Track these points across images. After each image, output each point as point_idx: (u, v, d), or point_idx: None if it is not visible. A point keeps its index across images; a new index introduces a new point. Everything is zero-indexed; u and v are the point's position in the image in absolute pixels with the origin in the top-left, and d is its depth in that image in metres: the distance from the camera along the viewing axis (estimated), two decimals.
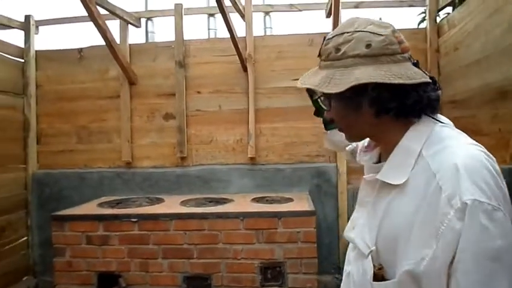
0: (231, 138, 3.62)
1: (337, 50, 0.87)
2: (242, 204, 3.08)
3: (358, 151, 1.21)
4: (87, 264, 2.89)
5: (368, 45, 0.84)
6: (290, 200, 3.15)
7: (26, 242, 3.73)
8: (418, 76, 0.84)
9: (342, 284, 1.15)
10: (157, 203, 3.22)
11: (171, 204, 3.13)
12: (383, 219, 0.88)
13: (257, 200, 3.20)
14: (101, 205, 3.19)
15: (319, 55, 0.94)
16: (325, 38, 0.93)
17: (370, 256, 0.88)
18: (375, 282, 0.86)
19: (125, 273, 2.85)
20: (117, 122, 3.69)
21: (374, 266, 0.87)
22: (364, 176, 0.99)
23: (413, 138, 0.87)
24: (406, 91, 0.84)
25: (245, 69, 3.55)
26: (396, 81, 0.82)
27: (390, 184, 0.87)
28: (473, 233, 0.71)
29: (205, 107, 3.65)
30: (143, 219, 2.85)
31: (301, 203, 3.01)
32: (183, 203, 3.14)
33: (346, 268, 1.04)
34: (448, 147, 0.81)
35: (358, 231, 0.97)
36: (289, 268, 2.76)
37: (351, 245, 1.05)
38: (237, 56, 3.45)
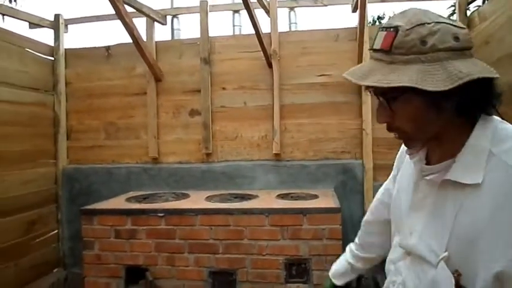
0: (256, 135, 3.63)
1: (423, 42, 0.79)
2: (267, 200, 3.08)
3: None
4: (115, 258, 2.96)
5: (456, 38, 0.79)
6: (315, 196, 3.13)
7: (56, 235, 3.84)
8: (491, 69, 0.81)
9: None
10: (183, 198, 3.26)
11: (197, 200, 3.16)
12: (455, 221, 0.83)
13: (282, 196, 3.19)
14: (128, 200, 3.25)
15: (390, 49, 0.82)
16: (386, 28, 0.84)
17: (443, 263, 0.83)
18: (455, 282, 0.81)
19: (152, 267, 2.90)
20: (144, 118, 3.75)
21: (450, 270, 0.82)
22: (426, 177, 0.92)
23: (481, 136, 0.83)
24: (490, 86, 0.82)
25: (270, 65, 3.54)
26: (495, 75, 0.79)
27: (459, 184, 0.83)
28: None
29: (230, 103, 3.67)
30: (169, 214, 2.89)
31: (327, 200, 3.00)
32: (208, 199, 3.16)
33: (395, 279, 1.01)
34: None
35: (420, 237, 0.91)
36: (314, 265, 2.74)
37: (395, 253, 1.03)
38: (261, 52, 3.44)
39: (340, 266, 1.48)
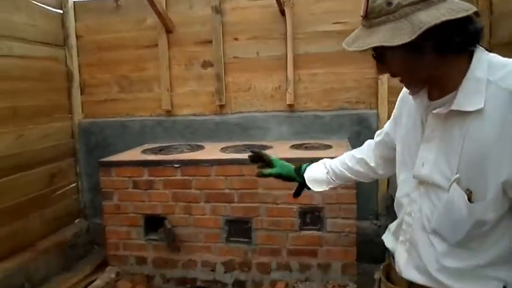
0: (270, 86, 3.59)
1: (389, 3, 0.91)
2: (281, 150, 3.09)
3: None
4: (134, 207, 3.05)
5: None
6: (329, 146, 3.14)
7: (76, 187, 3.95)
8: (469, 6, 0.89)
9: (393, 226, 1.21)
10: (198, 150, 3.29)
11: (212, 151, 3.19)
12: (463, 146, 0.94)
13: (296, 146, 3.20)
14: (144, 152, 3.30)
15: (366, 15, 0.96)
16: None
17: (455, 184, 0.95)
18: (471, 204, 0.93)
19: (170, 216, 2.99)
20: (156, 71, 3.73)
21: (463, 189, 0.94)
22: (433, 111, 1.00)
23: (478, 68, 0.93)
24: (465, 24, 0.90)
25: (283, 13, 3.43)
26: (461, 15, 0.86)
27: (463, 113, 0.93)
28: None
29: (242, 53, 3.60)
30: (185, 164, 2.93)
31: (341, 150, 2.99)
32: (223, 150, 3.19)
33: (411, 209, 1.10)
34: None
35: (432, 166, 1.02)
36: (328, 213, 2.79)
37: (407, 186, 1.12)
38: (274, 0, 3.33)
39: (319, 175, 1.59)
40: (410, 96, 1.09)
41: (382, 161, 1.42)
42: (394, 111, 1.29)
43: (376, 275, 1.29)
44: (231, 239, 2.96)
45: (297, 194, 1.68)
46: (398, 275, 1.16)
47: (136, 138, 3.76)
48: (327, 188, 1.59)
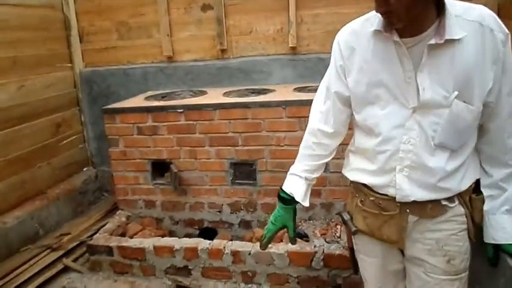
0: (271, 28, 3.51)
1: None
2: (284, 93, 3.08)
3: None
4: (140, 153, 3.10)
5: None
6: None
7: (82, 136, 4.00)
8: None
9: (386, 157, 1.27)
10: (201, 95, 3.28)
11: (214, 96, 3.19)
12: (454, 69, 1.11)
13: (299, 89, 3.18)
14: (147, 98, 3.30)
15: None
16: None
17: (456, 99, 1.12)
18: (472, 109, 1.13)
19: (176, 160, 3.04)
20: (155, 15, 3.63)
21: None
22: (430, 42, 1.11)
23: (449, 6, 1.10)
24: None
25: None
26: None
27: (449, 42, 1.09)
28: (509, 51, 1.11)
29: None
30: (188, 109, 2.94)
31: None
32: (226, 94, 3.18)
33: (408, 135, 1.20)
34: (469, 7, 1.13)
35: (431, 90, 1.14)
36: None
37: (397, 118, 1.21)
38: None
39: (299, 185, 1.52)
40: (361, 40, 1.24)
41: (338, 119, 1.44)
42: (337, 61, 1.34)
43: (345, 216, 1.37)
44: (236, 181, 3.02)
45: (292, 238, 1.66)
46: (385, 202, 1.28)
47: (139, 85, 3.74)
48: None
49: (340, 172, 2.79)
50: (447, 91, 1.13)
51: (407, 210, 1.26)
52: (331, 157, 1.54)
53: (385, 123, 1.23)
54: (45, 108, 3.47)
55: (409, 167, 1.22)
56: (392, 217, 1.28)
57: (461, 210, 1.25)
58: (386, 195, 1.27)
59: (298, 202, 1.51)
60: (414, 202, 1.24)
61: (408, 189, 1.23)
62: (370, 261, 1.46)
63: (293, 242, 1.66)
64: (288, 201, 1.53)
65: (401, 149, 1.22)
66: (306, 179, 1.52)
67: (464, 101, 1.13)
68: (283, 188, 1.55)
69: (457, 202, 1.25)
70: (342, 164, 2.80)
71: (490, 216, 1.26)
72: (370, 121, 1.27)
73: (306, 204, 1.53)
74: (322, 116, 1.46)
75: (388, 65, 1.19)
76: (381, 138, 1.25)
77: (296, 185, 1.52)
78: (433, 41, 1.10)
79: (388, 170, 1.26)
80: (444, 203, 1.24)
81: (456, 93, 1.12)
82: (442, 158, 1.19)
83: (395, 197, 1.25)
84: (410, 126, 1.20)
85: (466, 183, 1.24)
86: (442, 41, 1.09)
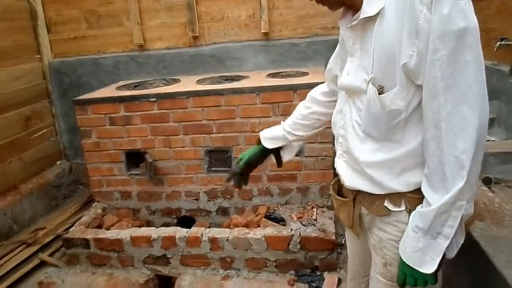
0: (243, 14, 3.48)
1: None
2: (257, 79, 3.08)
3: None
4: (113, 144, 3.06)
5: None
6: (305, 74, 3.13)
7: (53, 129, 3.91)
8: None
9: (336, 141, 1.28)
10: (174, 83, 3.25)
11: (187, 84, 3.16)
12: (374, 48, 1.02)
13: (272, 75, 3.19)
14: (119, 88, 3.25)
15: None
16: None
17: (370, 83, 1.04)
18: (381, 95, 1.02)
19: (150, 150, 3.02)
20: (124, 3, 3.55)
21: (375, 87, 1.03)
22: (348, 25, 1.07)
23: None
24: None
25: None
26: None
27: (371, 19, 1.01)
28: (439, 19, 0.89)
29: None
30: (161, 98, 2.91)
31: (317, 76, 2.99)
32: (199, 82, 3.16)
33: (343, 122, 1.19)
34: None
35: (354, 74, 1.10)
36: (306, 138, 2.84)
37: (339, 105, 1.23)
38: None
39: (275, 132, 1.59)
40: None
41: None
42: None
43: (331, 190, 1.37)
44: (212, 168, 3.02)
45: (278, 163, 1.67)
46: (345, 188, 1.26)
47: (111, 75, 3.68)
48: (284, 143, 1.61)
49: (315, 156, 2.85)
50: (367, 74, 1.05)
51: (361, 201, 1.21)
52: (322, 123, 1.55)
53: (335, 108, 1.27)
54: (13, 101, 3.38)
55: (345, 152, 1.20)
56: (344, 203, 1.27)
57: (406, 218, 1.08)
58: None
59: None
60: (365, 194, 1.17)
61: (344, 175, 1.22)
62: (351, 238, 1.46)
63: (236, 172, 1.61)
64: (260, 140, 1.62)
65: (340, 134, 1.21)
66: (284, 129, 1.57)
67: (380, 85, 1.02)
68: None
69: (403, 208, 1.09)
70: (316, 148, 2.85)
71: (408, 224, 1.07)
72: None
73: (268, 145, 1.58)
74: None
75: (340, 49, 1.23)
76: (331, 121, 1.30)
77: (272, 130, 1.61)
78: (349, 23, 1.07)
79: (337, 154, 1.26)
80: (386, 204, 1.12)
81: (372, 76, 1.03)
82: (368, 146, 1.11)
83: None
84: (345, 112, 1.18)
85: (405, 184, 1.08)
86: (357, 22, 1.03)
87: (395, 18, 0.96)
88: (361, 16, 1.01)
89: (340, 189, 1.33)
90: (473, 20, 0.91)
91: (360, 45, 1.07)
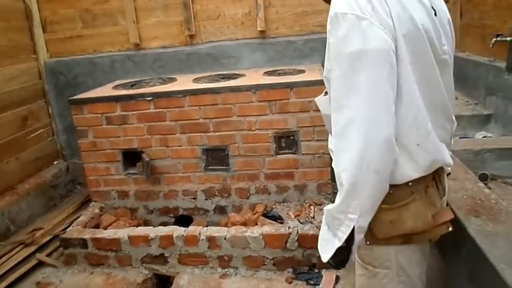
0: (239, 12, 3.47)
1: None
2: (254, 77, 3.07)
3: None
4: (110, 143, 3.05)
5: None
6: (302, 71, 3.12)
7: (50, 129, 3.90)
8: None
9: None
10: (170, 82, 3.24)
11: (184, 83, 3.15)
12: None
13: (269, 73, 3.18)
14: (115, 87, 3.24)
15: None
16: None
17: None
18: (319, 99, 1.17)
19: (147, 149, 3.01)
20: (120, 2, 3.54)
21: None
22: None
23: None
24: None
25: None
26: None
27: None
28: (335, 41, 0.93)
29: None
30: (158, 97, 2.90)
31: (313, 73, 2.99)
32: (196, 81, 3.15)
33: None
34: None
35: (324, 71, 1.12)
36: (303, 136, 2.85)
37: None
38: None
39: None
40: None
41: None
42: None
43: None
44: (210, 167, 3.02)
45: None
46: None
47: (107, 74, 3.67)
48: None
49: (312, 154, 2.85)
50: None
51: None
52: None
53: None
54: (9, 101, 3.36)
55: None
56: None
57: None
58: None
59: None
60: None
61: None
62: None
63: None
64: None
65: None
66: None
67: (326, 90, 1.10)
68: None
69: None
70: (313, 145, 2.85)
71: None
72: None
73: None
74: None
75: None
76: None
77: None
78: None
79: None
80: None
81: (324, 74, 1.07)
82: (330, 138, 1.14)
83: None
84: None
85: None
86: (331, 15, 1.00)
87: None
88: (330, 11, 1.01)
89: None
90: (373, 43, 0.90)
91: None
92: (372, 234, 1.10)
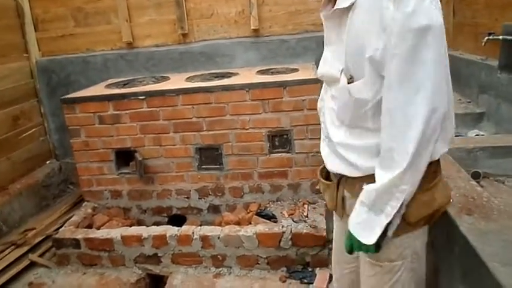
0: (233, 10, 3.46)
1: None
2: (247, 76, 3.07)
3: None
4: (102, 143, 3.03)
5: None
6: (295, 70, 3.12)
7: (42, 128, 3.86)
8: None
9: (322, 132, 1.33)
10: (163, 81, 3.23)
11: (177, 81, 3.14)
12: (347, 39, 1.06)
13: (262, 72, 3.18)
14: (108, 86, 3.22)
15: None
16: None
17: (342, 73, 1.09)
18: (349, 84, 1.07)
19: (140, 148, 3.00)
20: (112, 0, 3.52)
21: (346, 77, 1.08)
22: (323, 15, 1.13)
23: None
24: None
25: None
26: None
27: (344, 11, 1.05)
28: (401, 16, 0.93)
29: None
30: (150, 96, 2.89)
31: (307, 72, 2.99)
32: (189, 79, 3.14)
33: (323, 110, 1.27)
34: None
35: (330, 63, 1.15)
36: (296, 135, 2.84)
37: (324, 90, 1.29)
38: None
39: None
40: None
41: None
42: None
43: (318, 175, 1.38)
44: (203, 166, 3.01)
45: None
46: (331, 172, 1.28)
47: (100, 73, 3.64)
48: None
49: (306, 152, 2.85)
50: (341, 64, 1.10)
51: (343, 185, 1.24)
52: None
53: (320, 95, 1.35)
54: (1, 100, 3.33)
55: (326, 136, 1.26)
56: (328, 186, 1.30)
57: None
58: None
59: None
60: (348, 178, 1.20)
61: (326, 159, 1.26)
62: (335, 222, 1.48)
63: None
64: None
65: (321, 120, 1.31)
66: None
67: (351, 75, 1.07)
68: None
69: None
70: (307, 144, 2.84)
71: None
72: None
73: None
74: None
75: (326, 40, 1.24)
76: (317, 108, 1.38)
77: None
78: (324, 12, 1.11)
79: (321, 138, 1.33)
80: (364, 186, 1.12)
81: (343, 67, 1.09)
82: (343, 132, 1.17)
83: None
84: (325, 98, 1.26)
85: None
86: (330, 12, 1.08)
87: (366, 13, 1.00)
88: (336, 7, 1.05)
89: (328, 174, 1.34)
90: (438, 20, 0.95)
91: (336, 36, 1.12)
92: (403, 219, 1.11)
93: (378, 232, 1.08)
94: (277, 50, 3.45)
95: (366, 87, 1.05)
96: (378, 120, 1.06)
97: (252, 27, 3.41)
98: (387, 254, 1.18)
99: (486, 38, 2.26)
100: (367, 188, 1.08)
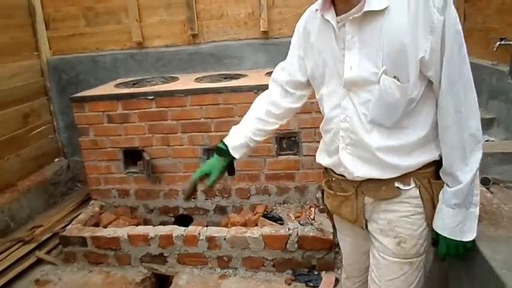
0: (243, 12, 3.47)
1: None
2: (256, 78, 3.07)
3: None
4: (111, 142, 3.05)
5: None
6: None
7: (51, 126, 3.89)
8: None
9: (325, 146, 1.33)
10: (172, 81, 3.24)
11: (186, 82, 3.15)
12: (383, 41, 1.06)
13: (271, 74, 3.16)
14: (117, 86, 3.24)
15: None
16: None
17: (384, 74, 1.08)
18: (403, 84, 1.07)
19: (148, 148, 3.01)
20: (123, 0, 3.54)
21: (391, 78, 1.08)
22: (349, 18, 1.09)
23: None
24: None
25: None
26: None
27: (375, 14, 1.06)
28: (451, 21, 1.03)
29: None
30: (159, 96, 2.90)
31: None
32: (198, 80, 3.15)
33: (344, 115, 1.19)
34: None
35: (358, 66, 1.12)
36: (304, 137, 2.84)
37: (335, 98, 1.22)
38: None
39: (239, 139, 1.49)
40: (314, 21, 1.24)
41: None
42: (296, 41, 1.44)
43: (318, 194, 1.35)
44: None
45: (231, 172, 1.59)
46: (344, 183, 1.27)
47: (109, 73, 3.67)
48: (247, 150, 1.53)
49: (313, 155, 2.84)
50: (377, 67, 1.09)
51: (363, 192, 1.24)
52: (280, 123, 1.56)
53: (328, 102, 1.25)
54: (11, 98, 3.36)
55: (350, 144, 1.20)
56: (347, 198, 1.27)
57: (416, 193, 1.19)
58: (343, 175, 1.26)
59: (233, 157, 1.48)
60: (369, 183, 1.21)
61: (351, 167, 1.21)
62: (344, 238, 1.48)
63: (207, 190, 1.62)
64: (222, 151, 1.50)
65: (341, 128, 1.21)
66: (246, 135, 1.49)
67: (395, 76, 1.08)
68: (224, 139, 1.52)
69: (412, 185, 1.18)
70: (314, 147, 2.83)
71: (440, 203, 1.17)
72: (321, 101, 1.31)
73: (236, 155, 1.49)
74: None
75: (329, 45, 1.19)
76: (325, 118, 1.29)
77: (236, 138, 1.50)
78: (351, 16, 1.08)
79: (334, 149, 1.25)
80: (397, 184, 1.18)
81: (384, 68, 1.08)
82: (379, 134, 1.15)
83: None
84: (345, 105, 1.18)
85: (417, 162, 1.17)
86: (359, 14, 1.06)
87: (407, 16, 1.04)
88: (366, 9, 1.05)
89: (337, 185, 1.32)
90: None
91: (360, 39, 1.11)
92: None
93: (475, 224, 1.14)
94: (286, 52, 3.41)
95: (415, 87, 1.09)
96: (413, 117, 1.13)
97: (262, 29, 3.42)
98: (417, 249, 1.23)
99: (498, 43, 2.25)
100: (458, 189, 1.12)
